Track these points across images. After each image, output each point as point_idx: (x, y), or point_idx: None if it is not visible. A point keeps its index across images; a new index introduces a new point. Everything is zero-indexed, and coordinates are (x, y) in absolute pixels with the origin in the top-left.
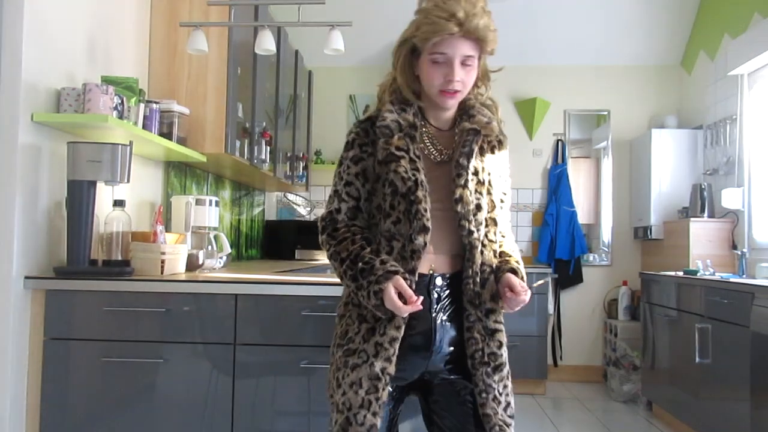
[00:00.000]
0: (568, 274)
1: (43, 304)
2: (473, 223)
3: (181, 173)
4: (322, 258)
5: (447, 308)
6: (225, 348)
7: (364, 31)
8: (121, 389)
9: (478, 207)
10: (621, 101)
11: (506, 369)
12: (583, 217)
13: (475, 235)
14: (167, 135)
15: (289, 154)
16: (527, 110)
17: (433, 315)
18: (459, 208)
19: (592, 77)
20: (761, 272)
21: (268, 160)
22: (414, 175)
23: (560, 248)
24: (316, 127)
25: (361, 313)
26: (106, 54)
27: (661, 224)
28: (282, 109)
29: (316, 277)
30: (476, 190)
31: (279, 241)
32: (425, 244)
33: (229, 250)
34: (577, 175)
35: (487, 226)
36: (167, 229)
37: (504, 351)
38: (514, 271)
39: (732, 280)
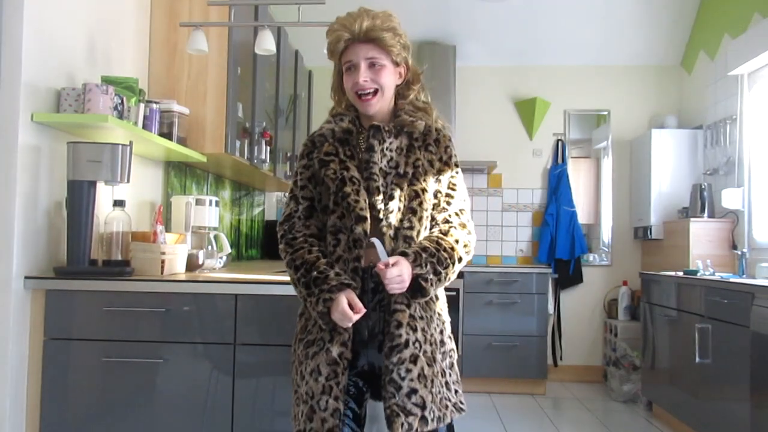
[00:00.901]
0: (568, 274)
1: (43, 304)
2: (382, 211)
3: (181, 173)
4: None
5: (382, 301)
6: (225, 348)
7: None
8: (121, 389)
9: (390, 197)
10: (621, 101)
11: (411, 352)
12: (583, 217)
13: (384, 222)
14: (167, 135)
15: (289, 154)
16: (527, 110)
17: (368, 304)
18: (369, 198)
19: (592, 77)
20: (761, 272)
21: (268, 160)
22: (342, 174)
23: (560, 248)
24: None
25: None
26: (106, 54)
27: (661, 224)
28: (282, 109)
29: None
30: (392, 182)
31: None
32: (365, 232)
33: (229, 250)
34: (577, 175)
35: (403, 215)
36: (167, 229)
37: (404, 332)
38: (404, 254)
39: (732, 280)
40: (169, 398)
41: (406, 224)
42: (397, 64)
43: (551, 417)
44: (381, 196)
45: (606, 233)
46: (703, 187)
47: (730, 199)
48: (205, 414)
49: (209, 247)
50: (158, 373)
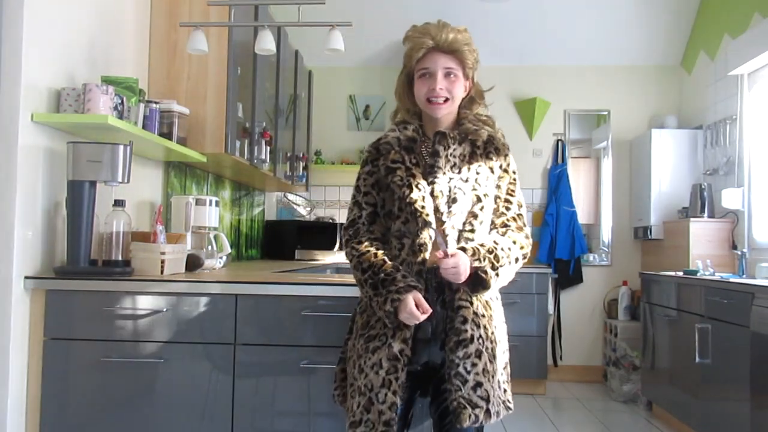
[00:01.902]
0: (568, 274)
1: (43, 304)
2: (445, 214)
3: (181, 173)
4: (322, 258)
5: (448, 304)
6: (225, 348)
7: (364, 31)
8: (121, 389)
9: (453, 200)
10: (621, 101)
11: (476, 347)
12: (583, 217)
13: (447, 225)
14: (167, 135)
15: (289, 154)
16: (527, 110)
17: (432, 304)
18: (432, 200)
19: (592, 77)
20: (761, 272)
21: (268, 160)
22: (408, 180)
23: (560, 248)
24: (316, 127)
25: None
26: (106, 54)
27: (661, 224)
28: (282, 109)
29: (316, 277)
30: (455, 187)
31: (279, 241)
32: (430, 238)
33: (229, 250)
34: (577, 175)
35: (465, 218)
36: (167, 229)
37: (470, 328)
38: (463, 249)
39: (732, 280)
40: (169, 398)
41: (468, 227)
42: (467, 78)
43: (551, 417)
44: (444, 200)
45: (606, 233)
46: (703, 187)
47: (730, 199)
48: (205, 414)
49: (209, 247)
50: (158, 373)
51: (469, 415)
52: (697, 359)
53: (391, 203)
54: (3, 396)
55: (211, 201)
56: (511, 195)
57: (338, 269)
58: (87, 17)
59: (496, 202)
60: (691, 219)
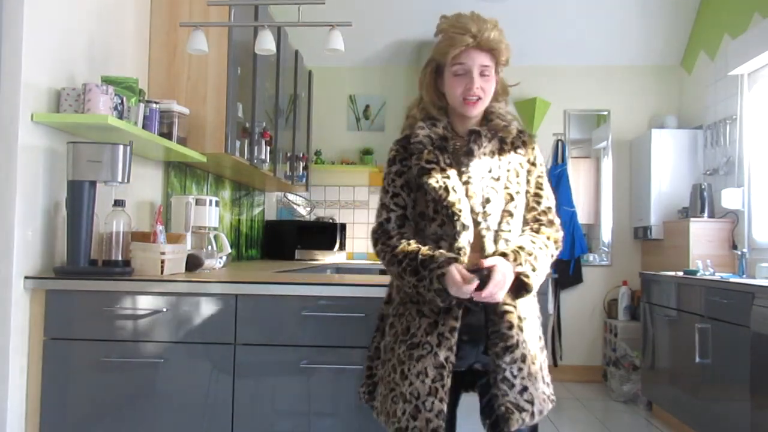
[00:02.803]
0: (568, 274)
1: (43, 304)
2: (481, 214)
3: (181, 173)
4: (322, 258)
5: (492, 304)
6: (225, 348)
7: (364, 31)
8: (121, 389)
9: (487, 200)
10: (621, 101)
11: (521, 352)
12: (583, 217)
13: (483, 225)
14: (167, 135)
15: (289, 154)
16: (527, 110)
17: (480, 307)
18: (467, 201)
19: (592, 77)
20: (761, 272)
21: (268, 160)
22: (444, 182)
23: None
24: (316, 127)
25: (420, 309)
26: (106, 54)
27: (661, 224)
28: (282, 109)
29: (316, 277)
30: (488, 186)
31: (279, 241)
32: (469, 242)
33: (229, 250)
34: (577, 175)
35: (501, 217)
36: (167, 229)
37: (515, 333)
38: (504, 255)
39: (732, 280)
40: (169, 398)
41: (505, 227)
42: (497, 74)
43: (551, 417)
44: (479, 200)
45: (606, 233)
46: (703, 187)
47: (730, 199)
48: (205, 414)
49: (209, 247)
50: (158, 373)
51: (517, 419)
52: (697, 359)
53: (424, 205)
54: (3, 396)
55: (211, 201)
56: (540, 188)
57: (338, 269)
58: (87, 17)
59: (526, 197)
60: (691, 219)
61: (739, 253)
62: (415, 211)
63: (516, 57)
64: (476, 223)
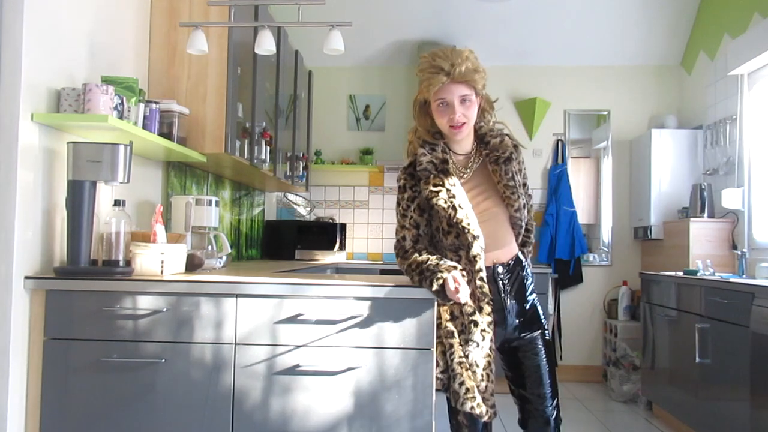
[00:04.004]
0: (568, 274)
1: (43, 304)
2: (523, 219)
3: (181, 173)
4: (322, 258)
5: (511, 290)
6: (225, 348)
7: (364, 31)
8: (121, 389)
9: (493, 214)
10: (621, 101)
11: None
12: (583, 217)
13: (523, 226)
14: (167, 135)
15: (289, 154)
16: (527, 110)
17: (503, 297)
18: (474, 214)
19: (592, 77)
20: (761, 272)
21: (268, 160)
22: (451, 202)
23: (560, 248)
24: (316, 127)
25: (463, 310)
26: (106, 54)
27: (661, 224)
28: (282, 109)
29: (316, 277)
30: (490, 200)
31: (279, 241)
32: (482, 247)
33: (229, 250)
34: (577, 175)
35: (505, 229)
36: (167, 229)
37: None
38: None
39: (732, 280)
40: (169, 398)
41: (511, 240)
42: (478, 95)
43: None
44: (489, 221)
45: (606, 233)
46: (703, 187)
47: (730, 199)
48: (205, 414)
49: (209, 247)
50: (158, 373)
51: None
52: (697, 359)
53: (438, 221)
54: (3, 396)
55: (211, 201)
56: (527, 194)
57: (338, 269)
58: (87, 17)
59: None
60: (691, 219)
61: (739, 253)
62: (431, 227)
63: (516, 57)
64: (520, 228)
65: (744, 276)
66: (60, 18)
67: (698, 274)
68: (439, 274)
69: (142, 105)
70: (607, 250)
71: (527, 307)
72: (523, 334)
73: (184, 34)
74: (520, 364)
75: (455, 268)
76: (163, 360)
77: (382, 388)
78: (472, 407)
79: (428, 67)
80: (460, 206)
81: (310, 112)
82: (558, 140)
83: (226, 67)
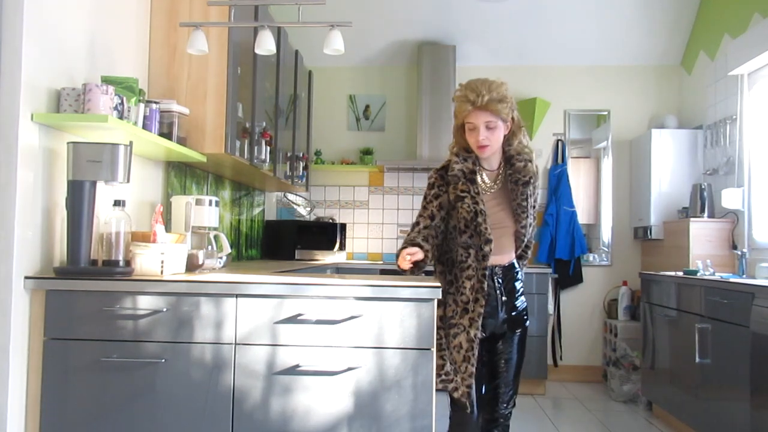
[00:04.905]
0: (568, 274)
1: (43, 304)
2: (527, 236)
3: (181, 173)
4: (322, 258)
5: (505, 289)
6: (225, 348)
7: (364, 31)
8: (121, 389)
9: (525, 227)
10: (621, 101)
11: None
12: (583, 217)
13: (524, 242)
14: (167, 135)
15: (289, 154)
16: (527, 110)
17: (497, 293)
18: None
19: (592, 77)
20: (761, 272)
21: (268, 160)
22: (474, 207)
23: (560, 248)
24: (316, 127)
25: (456, 299)
26: (106, 54)
27: (661, 224)
28: (282, 109)
29: (316, 277)
30: (505, 212)
31: (279, 241)
32: (491, 249)
33: (229, 250)
34: (577, 175)
35: (517, 239)
36: (167, 229)
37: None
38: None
39: (732, 280)
40: (169, 398)
41: (510, 250)
42: (505, 121)
43: (551, 417)
44: (498, 230)
45: (606, 233)
46: (703, 187)
47: (730, 199)
48: (205, 414)
49: (209, 247)
50: (158, 373)
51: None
52: (697, 359)
53: (456, 220)
54: (3, 396)
55: (211, 201)
56: (534, 217)
57: (338, 269)
58: (87, 17)
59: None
60: (691, 219)
61: (739, 253)
62: (448, 225)
63: (516, 57)
64: (524, 240)
65: (744, 276)
66: (60, 18)
67: (698, 274)
68: (402, 250)
69: (142, 105)
70: (607, 250)
71: (517, 305)
72: (508, 330)
73: (184, 34)
74: (497, 354)
75: (412, 243)
76: (163, 360)
77: (382, 388)
78: (445, 386)
79: (460, 96)
80: (481, 212)
81: (310, 112)
82: (558, 140)
83: (226, 67)
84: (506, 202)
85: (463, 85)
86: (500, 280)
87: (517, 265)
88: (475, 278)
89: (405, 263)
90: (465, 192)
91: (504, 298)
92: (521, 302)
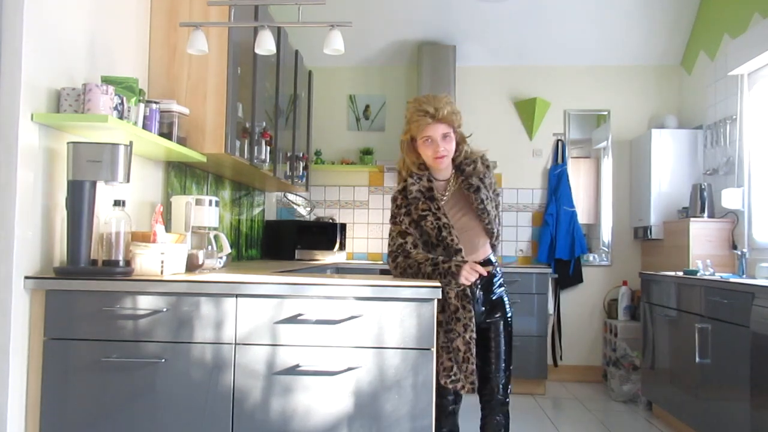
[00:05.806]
0: (568, 274)
1: (43, 304)
2: (495, 227)
3: (181, 173)
4: (322, 258)
5: (481, 284)
6: (225, 348)
7: (364, 31)
8: (121, 389)
9: (472, 229)
10: (621, 101)
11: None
12: (583, 217)
13: (495, 233)
14: (167, 135)
15: (289, 154)
16: (527, 110)
17: (476, 289)
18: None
19: (592, 77)
20: (761, 272)
21: (268, 160)
22: (437, 223)
23: (560, 248)
24: (316, 127)
25: (445, 307)
26: (106, 54)
27: (661, 224)
28: (282, 109)
29: (316, 277)
30: (470, 218)
31: (279, 241)
32: (463, 257)
33: (229, 250)
34: (577, 175)
35: (481, 238)
36: (167, 229)
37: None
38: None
39: (732, 280)
40: (169, 398)
41: (484, 245)
42: (456, 132)
43: (551, 417)
44: (466, 232)
45: (606, 233)
46: (703, 187)
47: (730, 199)
48: (205, 414)
49: (209, 247)
50: (158, 373)
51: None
52: (697, 359)
53: (426, 236)
54: (3, 396)
55: (211, 201)
56: (497, 208)
57: (338, 269)
58: (87, 17)
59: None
60: (691, 219)
61: (739, 253)
62: (422, 239)
63: (516, 57)
64: (495, 237)
65: (744, 276)
66: (60, 18)
67: (698, 274)
68: (456, 267)
69: (142, 105)
70: (607, 250)
71: (493, 298)
72: (489, 320)
73: (184, 34)
74: (488, 341)
75: (466, 262)
76: (163, 360)
77: (382, 388)
78: (445, 382)
79: (416, 111)
80: (444, 226)
81: (310, 112)
82: (558, 140)
83: (226, 67)
84: (467, 206)
85: (413, 101)
86: (484, 285)
87: (493, 258)
88: (456, 286)
89: (473, 275)
90: (426, 210)
91: (480, 293)
92: (500, 289)
